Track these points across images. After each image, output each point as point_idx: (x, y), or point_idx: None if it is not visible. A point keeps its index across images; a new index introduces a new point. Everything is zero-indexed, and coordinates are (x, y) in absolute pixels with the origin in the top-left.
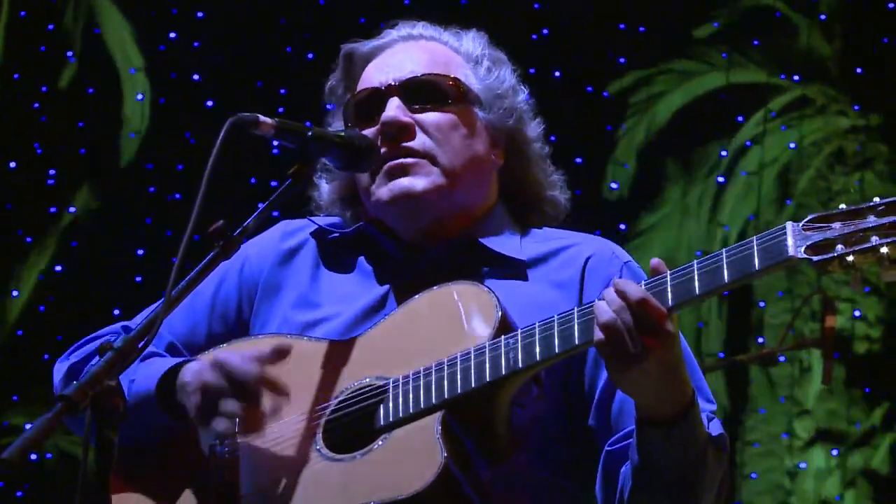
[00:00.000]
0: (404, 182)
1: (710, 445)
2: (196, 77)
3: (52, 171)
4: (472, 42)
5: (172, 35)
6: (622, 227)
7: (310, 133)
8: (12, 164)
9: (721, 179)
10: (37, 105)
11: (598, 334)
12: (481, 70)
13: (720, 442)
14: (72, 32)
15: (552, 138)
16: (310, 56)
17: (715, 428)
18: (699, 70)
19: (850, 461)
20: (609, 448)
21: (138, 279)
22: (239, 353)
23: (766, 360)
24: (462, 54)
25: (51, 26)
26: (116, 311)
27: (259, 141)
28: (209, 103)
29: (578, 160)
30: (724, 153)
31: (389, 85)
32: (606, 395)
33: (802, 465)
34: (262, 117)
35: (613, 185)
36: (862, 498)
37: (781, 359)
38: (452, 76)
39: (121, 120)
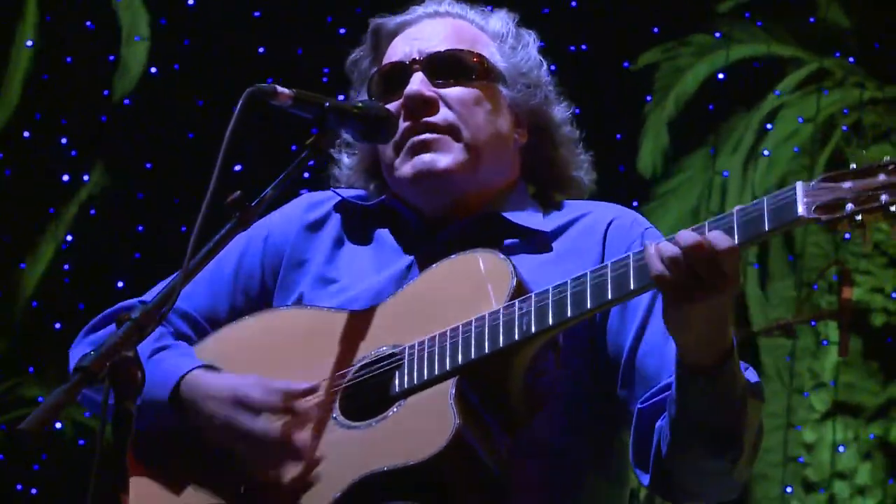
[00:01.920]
0: (426, 158)
1: (748, 392)
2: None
3: (64, 141)
4: (499, 21)
5: (190, 2)
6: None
7: (327, 104)
8: (27, 134)
9: (742, 152)
10: (46, 77)
11: (659, 266)
12: (507, 48)
13: (757, 388)
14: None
15: (576, 110)
16: (342, 31)
17: (752, 375)
18: (719, 44)
19: (867, 434)
20: (641, 406)
21: (153, 252)
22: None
23: (783, 332)
24: (488, 32)
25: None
26: (122, 284)
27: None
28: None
29: (615, 135)
30: (746, 128)
31: (413, 59)
32: (632, 356)
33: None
34: (279, 88)
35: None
36: (878, 471)
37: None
38: (477, 52)
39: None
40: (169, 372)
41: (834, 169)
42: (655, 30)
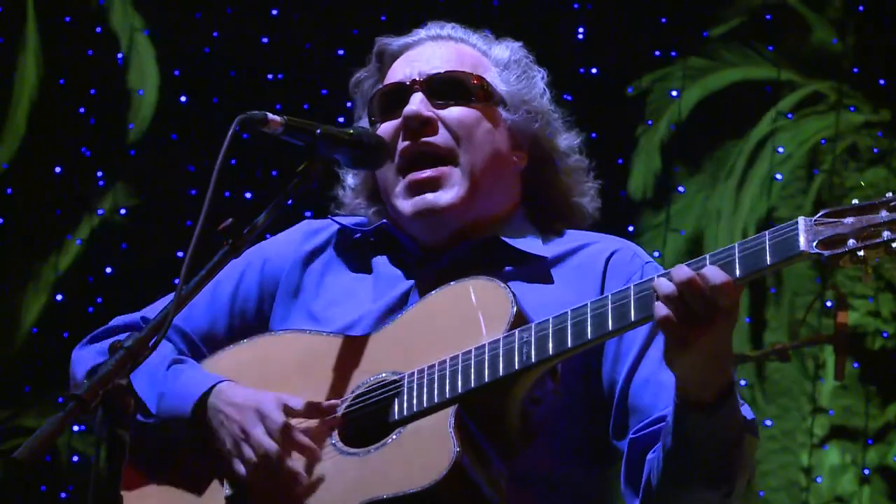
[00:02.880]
0: (429, 198)
1: (746, 430)
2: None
3: (74, 168)
4: (503, 48)
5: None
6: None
7: (318, 131)
8: (37, 159)
9: (736, 176)
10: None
11: (663, 310)
12: (509, 75)
13: (753, 426)
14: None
15: (593, 135)
16: (340, 52)
17: (748, 412)
18: (713, 67)
19: (866, 458)
20: (634, 436)
21: (160, 279)
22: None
23: (778, 356)
24: (490, 58)
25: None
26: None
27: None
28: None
29: (612, 159)
30: (739, 152)
31: (414, 80)
32: (626, 389)
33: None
34: (270, 115)
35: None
36: (877, 495)
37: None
38: (477, 74)
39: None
40: (194, 385)
41: (830, 195)
42: (656, 53)
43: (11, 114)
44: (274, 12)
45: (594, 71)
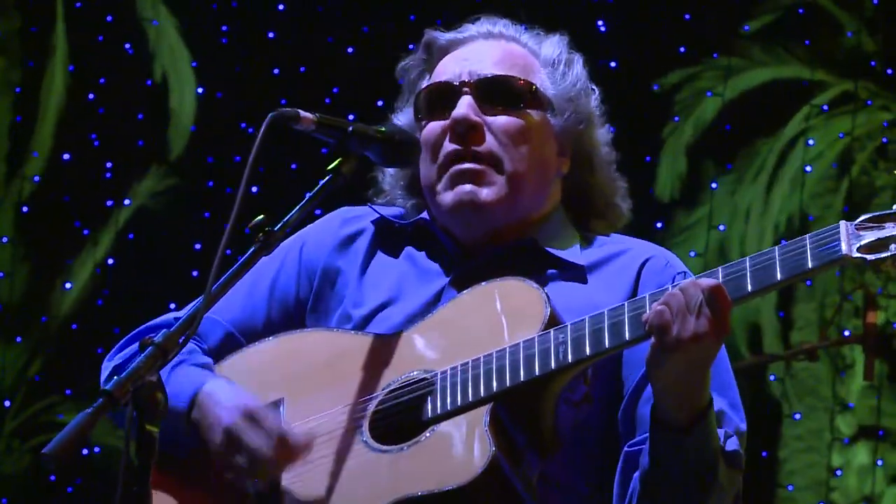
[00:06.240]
0: (468, 188)
1: (723, 459)
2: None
3: (108, 164)
4: (552, 45)
5: (224, 28)
6: (658, 225)
7: (350, 128)
8: (67, 156)
9: (766, 175)
10: (92, 96)
11: (658, 307)
12: (557, 74)
13: (733, 458)
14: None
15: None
16: (350, 50)
17: (730, 444)
18: (744, 66)
19: (893, 458)
20: (628, 449)
21: (194, 273)
22: (265, 429)
23: (806, 356)
24: (540, 58)
25: (109, 17)
26: (171, 305)
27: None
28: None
29: (639, 157)
30: (769, 152)
31: (463, 81)
32: (634, 396)
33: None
34: (302, 112)
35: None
36: None
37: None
38: (527, 80)
39: (168, 113)
40: (186, 383)
41: (860, 195)
42: (682, 49)
43: (43, 109)
44: (280, 7)
45: (619, 66)
